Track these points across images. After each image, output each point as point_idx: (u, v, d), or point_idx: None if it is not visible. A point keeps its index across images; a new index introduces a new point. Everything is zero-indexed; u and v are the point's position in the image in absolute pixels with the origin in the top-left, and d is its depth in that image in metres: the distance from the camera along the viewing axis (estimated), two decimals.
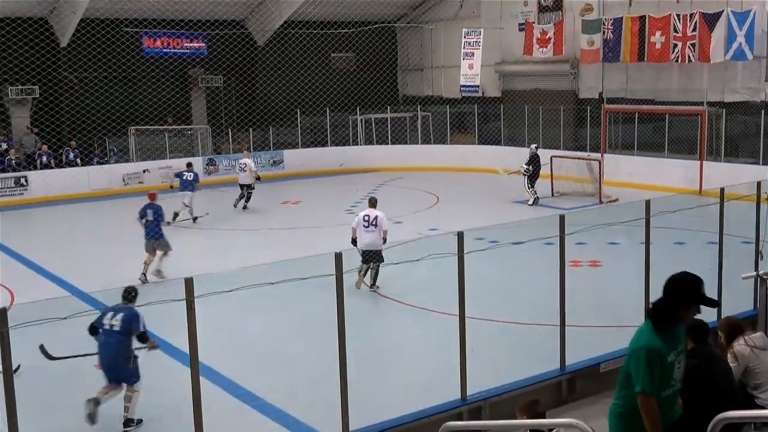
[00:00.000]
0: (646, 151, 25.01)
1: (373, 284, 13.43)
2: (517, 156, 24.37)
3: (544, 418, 5.93)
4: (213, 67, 30.53)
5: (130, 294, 8.95)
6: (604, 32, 25.51)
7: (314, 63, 32.64)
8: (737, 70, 23.15)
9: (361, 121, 31.10)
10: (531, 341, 10.74)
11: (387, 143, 30.92)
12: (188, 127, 29.48)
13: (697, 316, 5.30)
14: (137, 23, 28.12)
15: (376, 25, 31.62)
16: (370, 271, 13.42)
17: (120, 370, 8.55)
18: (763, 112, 22.18)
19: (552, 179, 22.87)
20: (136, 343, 8.74)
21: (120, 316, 8.63)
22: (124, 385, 8.66)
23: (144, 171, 26.47)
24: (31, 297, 10.62)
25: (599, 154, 23.19)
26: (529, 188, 21.89)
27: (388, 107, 31.74)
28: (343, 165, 29.17)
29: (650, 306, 5.28)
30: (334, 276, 6.85)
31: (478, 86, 28.39)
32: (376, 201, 13.96)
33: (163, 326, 11.00)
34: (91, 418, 8.27)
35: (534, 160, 21.97)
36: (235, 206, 22.07)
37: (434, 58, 33.44)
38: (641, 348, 4.99)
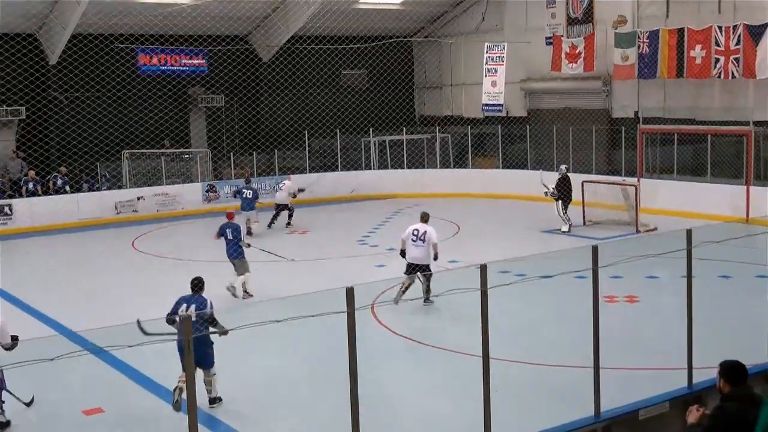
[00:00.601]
0: (687, 175, 24.92)
1: (426, 298, 14.34)
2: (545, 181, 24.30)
3: None
4: (214, 85, 30.77)
5: (198, 284, 10.60)
6: (639, 46, 25.54)
7: (323, 81, 32.84)
8: None
9: (375, 144, 31.19)
10: (562, 385, 10.64)
11: (402, 167, 30.96)
12: (187, 150, 29.67)
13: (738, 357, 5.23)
14: (132, 39, 28.40)
15: (391, 40, 31.80)
16: (421, 285, 14.32)
17: (200, 356, 9.59)
18: None
19: (584, 206, 22.79)
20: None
21: (193, 306, 10.22)
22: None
23: (138, 198, 26.63)
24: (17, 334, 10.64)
25: (635, 179, 23.12)
26: (563, 214, 21.85)
27: (404, 128, 31.81)
28: (355, 191, 29.21)
29: None
30: (346, 313, 6.82)
31: (501, 105, 28.43)
32: (428, 216, 14.95)
33: (159, 368, 11.01)
34: (177, 406, 9.62)
35: (564, 183, 21.92)
36: (269, 227, 23.16)
37: (454, 75, 33.55)
38: None
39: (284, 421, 10.15)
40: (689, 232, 9.10)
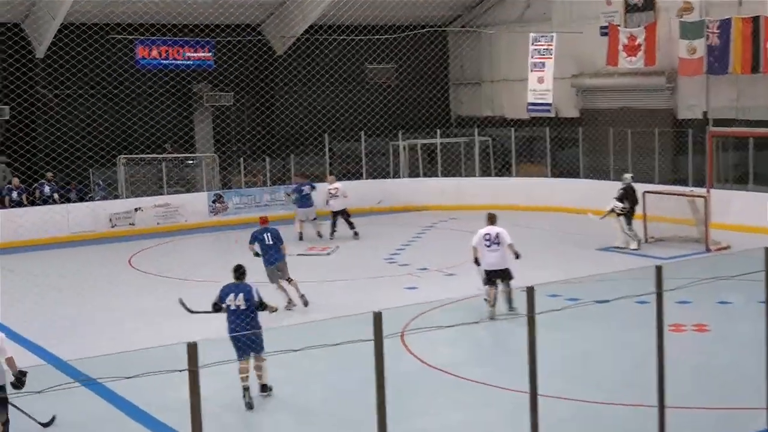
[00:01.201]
0: (764, 185, 24.75)
1: (510, 307, 14.73)
2: (599, 191, 24.23)
3: None
4: (221, 82, 30.98)
5: (241, 272, 11.98)
6: (707, 37, 25.42)
7: (346, 76, 32.93)
8: None
9: (404, 148, 31.23)
10: (620, 425, 10.58)
11: (437, 175, 30.97)
12: (191, 155, 29.84)
13: None
14: (129, 29, 28.65)
15: (423, 30, 31.88)
16: (501, 294, 14.94)
17: (252, 342, 11.45)
18: None
19: (645, 221, 22.68)
20: None
21: (241, 295, 11.68)
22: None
23: (136, 210, 26.81)
24: None
25: (704, 190, 22.99)
26: (628, 230, 21.77)
27: (438, 131, 31.84)
28: (382, 202, 29.25)
29: None
30: (373, 341, 6.85)
31: (550, 104, 28.38)
32: (495, 217, 15.80)
33: (157, 401, 11.10)
34: (250, 406, 11.34)
35: (629, 194, 21.86)
36: (331, 237, 24.28)
37: (495, 70, 33.53)
38: None
39: None
40: (767, 251, 9.06)
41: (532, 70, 28.45)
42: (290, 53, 31.64)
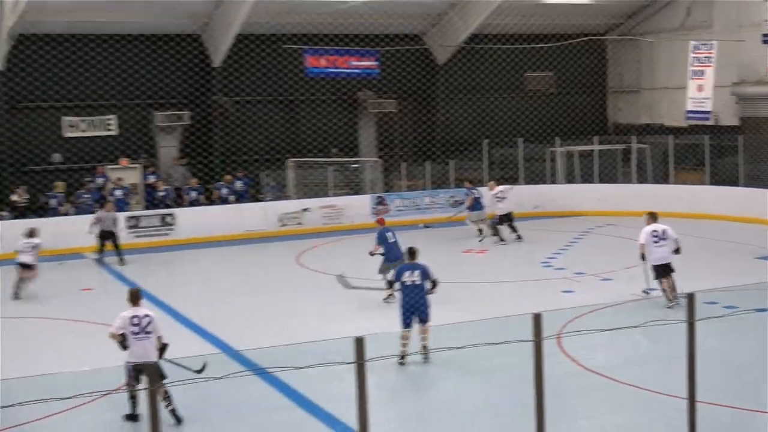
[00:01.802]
0: None
1: (676, 296, 15.49)
2: (759, 200, 23.41)
3: None
4: (385, 89, 31.40)
5: (414, 252, 13.58)
6: None
7: (505, 84, 32.88)
8: None
9: (562, 155, 30.91)
10: None
11: (593, 182, 30.54)
12: (355, 159, 30.32)
13: None
14: (299, 39, 29.35)
15: (582, 38, 31.48)
16: (668, 289, 15.64)
17: (423, 312, 13.05)
18: None
19: None
20: None
21: (417, 272, 13.23)
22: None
23: (304, 210, 27.42)
24: (174, 350, 11.21)
25: None
26: None
27: (595, 137, 31.40)
28: (539, 207, 29.04)
29: None
30: (533, 342, 6.84)
31: (709, 112, 27.58)
32: (656, 215, 16.56)
33: (323, 392, 11.36)
34: (403, 362, 12.89)
35: None
36: (503, 240, 24.29)
37: (653, 78, 32.87)
38: None
39: None
40: None
41: (691, 78, 27.71)
42: (451, 61, 31.81)
